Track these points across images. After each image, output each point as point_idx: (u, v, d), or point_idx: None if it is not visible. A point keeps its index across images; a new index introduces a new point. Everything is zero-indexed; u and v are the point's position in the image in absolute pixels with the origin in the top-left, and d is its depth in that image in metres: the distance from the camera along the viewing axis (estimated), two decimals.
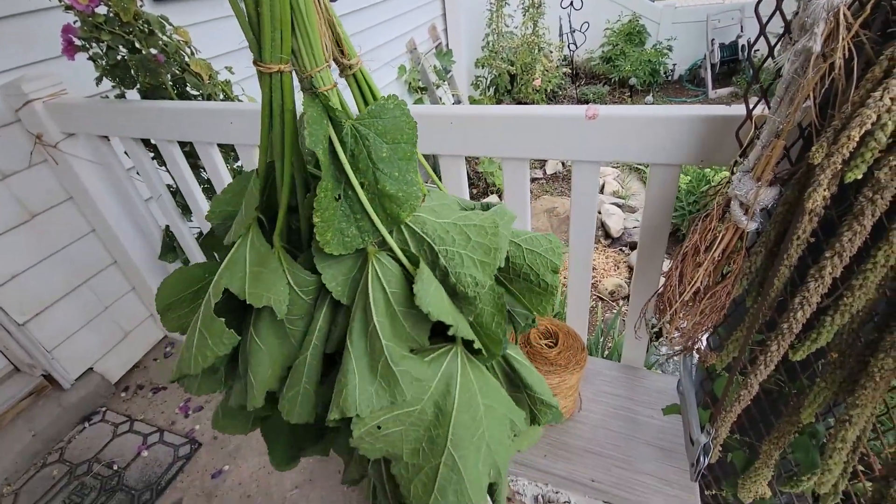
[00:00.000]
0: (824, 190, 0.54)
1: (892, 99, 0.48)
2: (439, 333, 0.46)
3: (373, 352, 0.44)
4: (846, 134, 0.50)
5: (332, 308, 0.48)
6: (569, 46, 5.18)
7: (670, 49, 5.18)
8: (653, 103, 4.88)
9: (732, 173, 0.67)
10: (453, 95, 4.19)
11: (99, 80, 1.29)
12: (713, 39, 4.85)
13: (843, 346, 0.65)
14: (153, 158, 1.48)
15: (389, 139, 0.45)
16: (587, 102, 2.94)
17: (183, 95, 1.38)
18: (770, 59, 0.62)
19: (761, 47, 3.79)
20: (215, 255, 0.63)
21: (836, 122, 0.52)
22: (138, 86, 1.33)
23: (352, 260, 0.47)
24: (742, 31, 4.80)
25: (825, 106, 0.58)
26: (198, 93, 1.39)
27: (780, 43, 0.59)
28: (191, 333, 0.49)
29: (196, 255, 1.68)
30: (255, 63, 0.44)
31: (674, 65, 5.34)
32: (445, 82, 4.07)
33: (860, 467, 0.84)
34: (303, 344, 0.49)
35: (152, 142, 1.44)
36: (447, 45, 4.26)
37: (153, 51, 1.29)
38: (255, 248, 0.49)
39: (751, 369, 0.70)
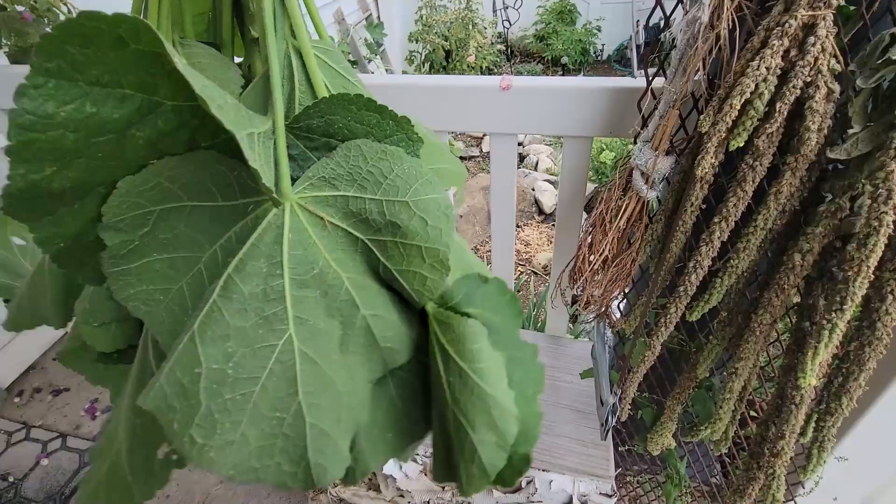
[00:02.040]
0: (711, 157, 0.56)
1: (767, 68, 0.50)
2: None
3: None
4: (728, 103, 0.52)
5: None
6: (503, 23, 5.18)
7: (599, 29, 5.33)
8: None
9: (634, 144, 0.69)
10: (386, 70, 4.06)
11: None
12: (638, 20, 5.05)
13: (731, 305, 0.70)
14: None
15: None
16: None
17: None
18: (667, 29, 0.63)
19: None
20: None
21: (721, 91, 0.54)
22: (5, 49, 1.15)
23: None
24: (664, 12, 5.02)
25: (716, 77, 0.61)
26: None
27: (673, 14, 0.61)
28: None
29: None
30: None
31: (602, 45, 5.51)
32: (378, 56, 3.93)
33: (753, 413, 0.92)
34: None
35: None
36: (378, 16, 4.10)
37: (19, 8, 1.11)
38: None
39: (654, 331, 0.74)
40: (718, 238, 0.62)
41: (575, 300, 0.88)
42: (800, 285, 0.64)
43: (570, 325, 0.85)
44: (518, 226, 2.86)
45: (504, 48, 5.54)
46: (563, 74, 5.28)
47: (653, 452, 0.91)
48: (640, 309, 0.78)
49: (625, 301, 0.88)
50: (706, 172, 0.57)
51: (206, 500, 1.28)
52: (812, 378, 0.57)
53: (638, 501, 1.20)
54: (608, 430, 0.78)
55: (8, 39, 1.07)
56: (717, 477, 1.10)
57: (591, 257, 0.76)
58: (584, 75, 5.21)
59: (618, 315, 0.86)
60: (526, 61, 5.57)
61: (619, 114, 0.76)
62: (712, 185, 0.63)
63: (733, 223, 0.61)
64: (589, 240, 0.74)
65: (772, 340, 0.68)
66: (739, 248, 0.62)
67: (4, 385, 1.63)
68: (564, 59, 5.30)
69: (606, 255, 0.74)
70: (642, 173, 0.65)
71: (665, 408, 0.85)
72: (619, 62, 5.39)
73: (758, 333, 0.64)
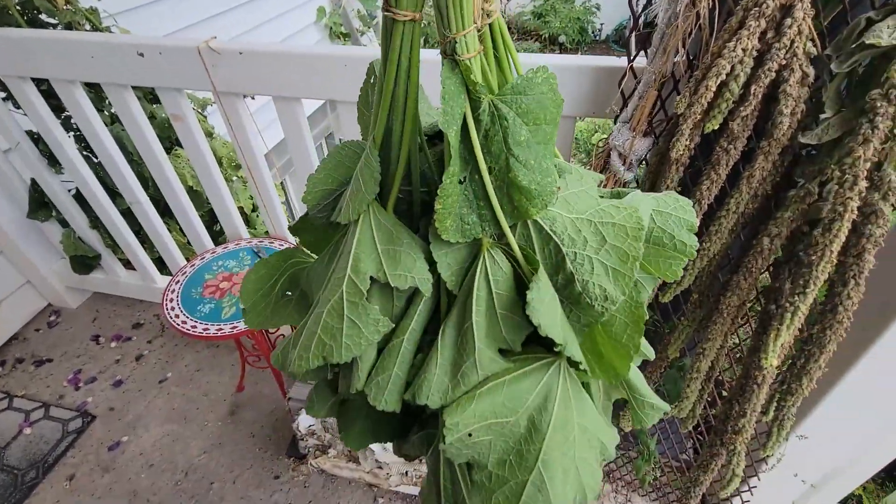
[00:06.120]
0: (686, 140, 0.56)
1: (743, 50, 0.50)
2: (534, 338, 0.42)
3: (462, 348, 0.41)
4: (704, 84, 0.52)
5: (436, 295, 0.44)
6: None
7: (598, 8, 5.23)
8: None
9: (614, 124, 0.68)
10: (380, 45, 3.96)
11: None
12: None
13: (702, 287, 0.71)
14: (4, 99, 1.26)
15: (531, 120, 0.38)
16: None
17: (35, 23, 1.17)
18: (648, 7, 0.62)
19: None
20: (308, 238, 0.55)
21: (699, 72, 0.54)
22: None
23: (467, 249, 0.43)
24: None
25: (696, 58, 0.60)
26: (55, 21, 1.19)
27: None
28: (314, 323, 0.44)
29: (74, 215, 1.49)
30: (385, 8, 0.36)
31: (601, 24, 5.43)
32: (371, 29, 3.83)
33: (725, 393, 0.95)
34: (398, 327, 0.45)
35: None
36: None
37: None
38: (381, 226, 0.43)
39: None
40: None
41: None
42: (770, 269, 0.65)
43: None
44: None
45: None
46: (560, 53, 5.21)
47: (625, 429, 0.94)
48: None
49: None
50: (681, 154, 0.57)
51: (190, 469, 1.30)
52: (774, 359, 0.59)
53: (611, 475, 1.24)
54: None
55: None
56: (687, 453, 1.14)
57: None
58: (581, 54, 5.14)
59: None
60: (523, 38, 5.47)
61: (600, 94, 0.75)
62: (688, 168, 0.63)
63: (706, 206, 0.61)
64: None
65: (741, 323, 0.70)
66: (712, 231, 0.63)
67: None
68: (562, 38, 5.22)
69: None
70: (620, 154, 0.65)
71: None
72: (617, 42, 5.32)
73: (725, 315, 0.65)
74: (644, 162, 0.69)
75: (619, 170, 0.66)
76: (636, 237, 0.40)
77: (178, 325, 1.05)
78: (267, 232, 1.42)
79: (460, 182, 0.39)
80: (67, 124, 1.34)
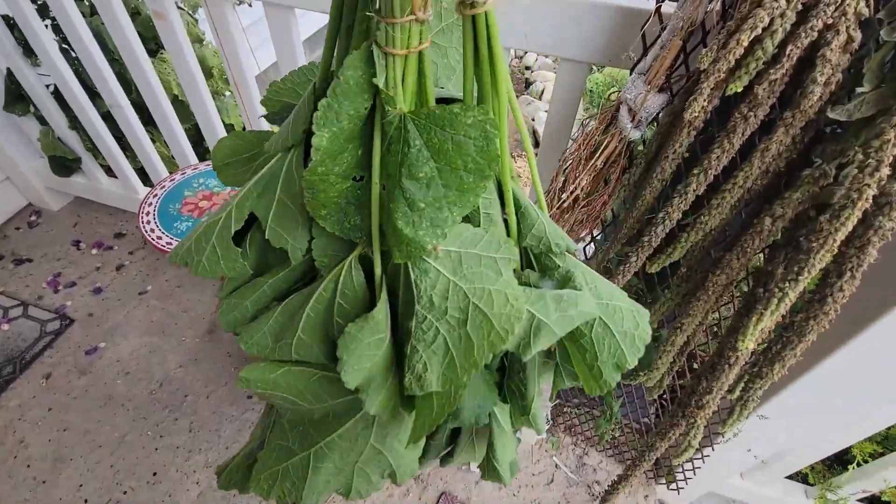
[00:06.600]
0: (704, 101, 0.51)
1: (787, 1, 0.44)
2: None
3: (290, 325, 0.40)
4: (736, 38, 0.46)
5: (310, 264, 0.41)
6: None
7: None
8: None
9: (630, 75, 0.62)
10: None
11: None
12: None
13: (692, 261, 0.68)
14: None
15: (443, 160, 0.31)
16: None
17: None
18: None
19: None
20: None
21: (731, 23, 0.48)
22: None
23: (346, 244, 0.39)
24: None
25: (731, 6, 0.53)
26: None
27: None
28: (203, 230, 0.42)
29: (52, 112, 1.41)
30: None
31: None
32: None
33: (696, 366, 0.95)
34: (269, 271, 0.44)
35: None
36: None
37: None
38: (290, 176, 0.38)
39: (612, 278, 0.73)
40: (694, 191, 0.59)
41: None
42: (765, 251, 0.62)
43: None
44: (512, 155, 2.76)
45: None
46: None
47: (590, 394, 0.95)
48: (603, 253, 0.76)
49: (591, 244, 0.87)
50: (696, 117, 0.52)
51: (165, 380, 1.33)
52: (751, 342, 0.57)
53: (573, 430, 1.29)
54: None
55: None
56: (649, 417, 1.17)
57: (563, 195, 0.72)
58: None
59: (581, 258, 0.84)
60: None
61: (620, 39, 0.68)
62: (700, 134, 0.58)
63: (712, 177, 0.57)
64: (562, 177, 0.70)
65: (724, 302, 0.68)
66: (713, 204, 0.59)
67: None
68: None
69: (578, 195, 0.70)
70: (630, 109, 0.60)
71: None
72: None
73: (710, 293, 0.63)
74: (655, 122, 0.64)
75: (626, 126, 0.61)
76: (493, 343, 0.33)
77: (154, 240, 1.02)
78: None
79: (354, 179, 0.35)
80: (44, 11, 1.23)
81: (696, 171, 0.57)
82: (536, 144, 3.06)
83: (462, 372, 0.34)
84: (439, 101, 0.34)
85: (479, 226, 0.37)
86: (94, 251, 1.65)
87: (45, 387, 1.31)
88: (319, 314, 0.38)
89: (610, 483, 0.92)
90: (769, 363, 0.61)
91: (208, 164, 1.23)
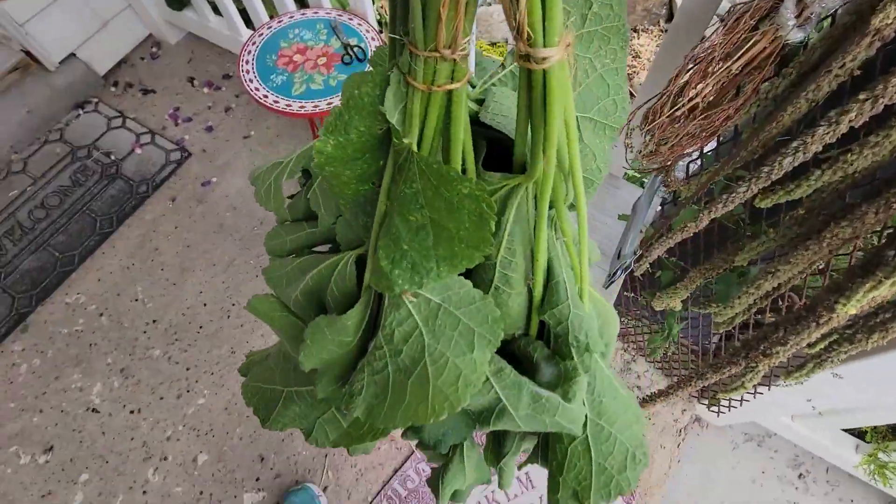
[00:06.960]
0: None
1: None
2: None
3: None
4: None
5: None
6: None
7: None
8: None
9: None
10: None
11: None
12: None
13: (816, 204, 0.58)
14: None
15: (436, 215, 0.28)
16: None
17: None
18: None
19: None
20: None
21: None
22: None
23: (364, 236, 0.40)
24: None
25: None
26: None
27: None
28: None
29: None
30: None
31: None
32: None
33: (774, 316, 0.89)
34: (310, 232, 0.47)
35: None
36: None
37: None
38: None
39: (712, 203, 0.65)
40: (850, 122, 0.47)
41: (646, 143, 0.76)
42: None
43: (627, 163, 0.76)
44: (634, 29, 2.36)
45: None
46: None
47: (655, 308, 0.93)
48: (708, 175, 0.67)
49: (699, 161, 0.76)
50: (887, 24, 0.39)
51: (266, 219, 1.50)
52: (854, 309, 0.51)
53: (626, 337, 1.31)
54: (611, 283, 0.78)
55: None
56: (710, 342, 1.15)
57: (680, 100, 0.61)
58: None
59: (681, 175, 0.75)
60: None
61: None
62: (886, 47, 0.44)
63: (882, 107, 0.45)
64: (684, 78, 0.59)
65: (836, 255, 0.59)
66: (870, 141, 0.47)
67: (101, 72, 1.77)
68: None
69: (698, 103, 0.60)
70: (799, 1, 0.46)
71: (686, 277, 0.83)
72: None
73: (825, 245, 0.55)
74: (830, 18, 0.49)
75: (788, 23, 0.48)
76: (418, 414, 0.30)
77: (251, 90, 1.06)
78: (346, 6, 1.28)
79: (373, 184, 0.34)
80: None
81: (863, 97, 0.45)
82: (670, 19, 2.55)
83: (385, 419, 0.33)
84: None
85: (490, 282, 0.33)
86: (205, 90, 1.76)
87: (172, 208, 1.55)
88: (316, 285, 0.39)
89: (651, 392, 0.95)
90: (868, 331, 0.55)
91: (303, 13, 1.18)
